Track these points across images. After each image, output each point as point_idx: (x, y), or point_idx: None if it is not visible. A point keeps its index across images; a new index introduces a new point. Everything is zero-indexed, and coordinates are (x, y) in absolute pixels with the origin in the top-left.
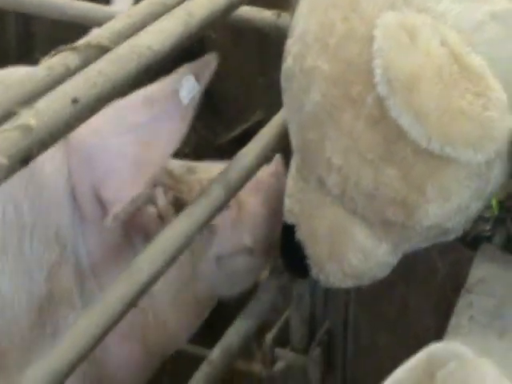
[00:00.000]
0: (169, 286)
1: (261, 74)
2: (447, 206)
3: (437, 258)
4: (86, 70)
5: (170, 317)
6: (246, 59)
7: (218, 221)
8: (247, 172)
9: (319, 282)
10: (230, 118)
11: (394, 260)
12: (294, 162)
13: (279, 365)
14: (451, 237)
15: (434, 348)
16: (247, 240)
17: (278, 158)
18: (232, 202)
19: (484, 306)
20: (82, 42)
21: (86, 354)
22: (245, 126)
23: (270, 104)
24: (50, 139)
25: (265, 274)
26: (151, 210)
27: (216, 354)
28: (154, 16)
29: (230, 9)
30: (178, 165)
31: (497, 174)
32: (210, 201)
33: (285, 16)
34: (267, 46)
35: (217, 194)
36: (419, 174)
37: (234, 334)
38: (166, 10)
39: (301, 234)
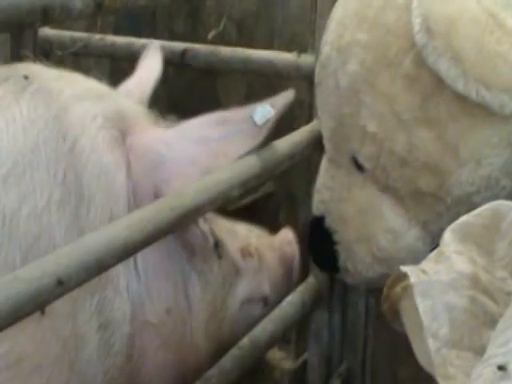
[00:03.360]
0: (206, 305)
1: None
2: (479, 171)
3: None
4: None
5: (201, 338)
6: None
7: (244, 266)
8: (280, 157)
9: (346, 275)
10: None
11: (422, 246)
12: (325, 157)
13: None
14: None
15: (496, 203)
16: (266, 289)
17: (286, 229)
18: (254, 253)
19: None
20: None
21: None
22: (255, 196)
23: (280, 176)
24: None
25: None
26: None
27: (244, 342)
28: None
29: None
30: None
31: None
32: (245, 166)
33: (305, 56)
34: None
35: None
36: (452, 134)
37: (261, 329)
38: None
39: (330, 221)
